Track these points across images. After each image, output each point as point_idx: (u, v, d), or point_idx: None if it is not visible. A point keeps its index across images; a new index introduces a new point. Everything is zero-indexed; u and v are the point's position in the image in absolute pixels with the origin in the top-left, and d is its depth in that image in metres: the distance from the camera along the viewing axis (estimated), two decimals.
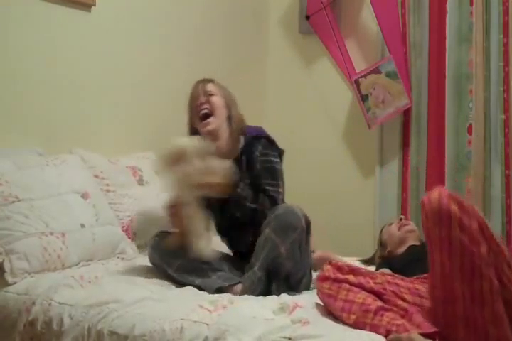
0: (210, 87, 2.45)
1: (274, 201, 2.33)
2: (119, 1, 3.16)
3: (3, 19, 2.69)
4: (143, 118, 3.31)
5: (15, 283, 2.18)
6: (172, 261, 2.26)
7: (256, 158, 2.37)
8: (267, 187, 2.34)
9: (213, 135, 2.41)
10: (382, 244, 2.78)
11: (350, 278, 1.90)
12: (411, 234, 2.70)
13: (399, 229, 2.72)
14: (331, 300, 1.88)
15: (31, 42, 2.78)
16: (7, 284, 2.17)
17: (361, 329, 1.76)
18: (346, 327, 1.78)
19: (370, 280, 1.91)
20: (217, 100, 2.42)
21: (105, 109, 3.11)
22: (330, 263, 1.97)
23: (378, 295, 1.88)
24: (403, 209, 3.66)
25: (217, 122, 2.41)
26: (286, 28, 4.11)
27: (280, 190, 2.36)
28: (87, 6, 2.98)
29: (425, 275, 1.99)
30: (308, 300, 2.01)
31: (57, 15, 2.88)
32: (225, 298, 2.02)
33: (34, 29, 2.79)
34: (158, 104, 3.40)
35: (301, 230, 2.18)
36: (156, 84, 3.38)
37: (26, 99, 2.76)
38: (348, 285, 1.88)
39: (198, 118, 2.43)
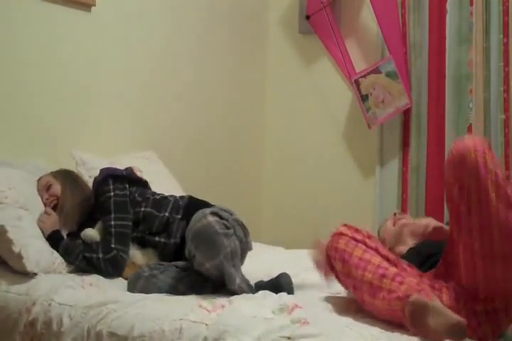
0: (45, 180, 2.53)
1: (104, 237, 2.36)
2: (119, 1, 3.16)
3: (4, 19, 2.69)
4: (143, 118, 3.32)
5: (31, 272, 2.21)
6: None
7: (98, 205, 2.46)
8: (103, 225, 2.41)
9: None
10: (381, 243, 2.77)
11: (367, 241, 1.89)
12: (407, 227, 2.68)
13: (394, 224, 2.71)
14: (346, 255, 1.87)
15: (31, 42, 2.78)
16: (11, 283, 2.20)
17: (374, 294, 1.76)
18: (346, 326, 1.76)
19: (385, 250, 1.91)
20: (56, 189, 2.50)
21: (104, 109, 3.11)
22: (346, 225, 1.96)
23: (392, 263, 1.87)
24: (403, 209, 3.65)
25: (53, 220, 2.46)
26: (286, 28, 4.11)
27: (111, 223, 2.36)
28: (87, 6, 2.99)
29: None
30: (307, 300, 2.00)
31: (57, 15, 2.88)
32: (224, 297, 2.02)
33: (34, 29, 2.79)
34: (158, 104, 3.41)
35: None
36: (155, 84, 3.38)
37: (25, 98, 2.76)
38: (364, 246, 1.87)
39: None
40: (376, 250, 1.88)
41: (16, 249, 2.22)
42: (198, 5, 3.65)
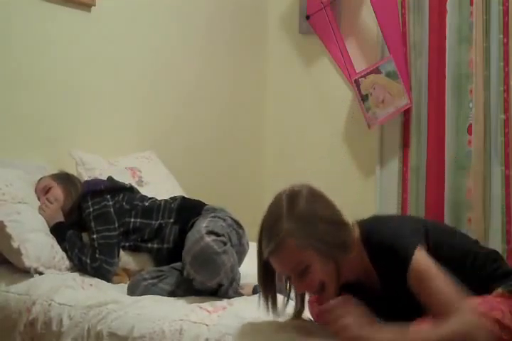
0: (45, 182, 2.53)
1: (90, 247, 2.37)
2: (119, 1, 3.16)
3: (3, 19, 2.69)
4: (143, 118, 3.32)
5: (30, 268, 2.21)
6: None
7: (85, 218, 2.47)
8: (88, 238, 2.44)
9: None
10: None
11: None
12: None
13: None
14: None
15: (31, 42, 2.78)
16: (12, 281, 2.20)
17: None
18: None
19: None
20: (55, 193, 2.51)
21: (104, 109, 3.11)
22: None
23: None
24: (403, 209, 3.66)
25: (54, 209, 2.47)
26: (286, 28, 4.11)
27: (94, 236, 2.37)
28: (87, 6, 2.99)
29: None
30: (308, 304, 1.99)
31: (57, 15, 2.88)
32: (224, 299, 2.02)
33: (34, 29, 2.79)
34: (159, 103, 3.41)
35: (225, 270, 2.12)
36: (155, 85, 3.38)
37: (25, 99, 2.76)
38: None
39: None
40: None
41: (14, 244, 2.23)
42: (199, 5, 3.65)
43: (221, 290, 2.09)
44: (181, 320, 1.81)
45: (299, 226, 1.62)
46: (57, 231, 2.40)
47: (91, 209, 2.41)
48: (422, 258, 1.60)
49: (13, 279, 2.21)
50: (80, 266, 2.34)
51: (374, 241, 1.65)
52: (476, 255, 1.72)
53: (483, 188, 3.43)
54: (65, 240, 2.38)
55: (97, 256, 2.32)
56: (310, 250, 1.61)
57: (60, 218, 2.45)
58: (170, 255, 2.34)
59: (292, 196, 1.67)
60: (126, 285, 2.24)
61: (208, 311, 1.86)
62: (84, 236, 2.44)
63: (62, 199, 2.49)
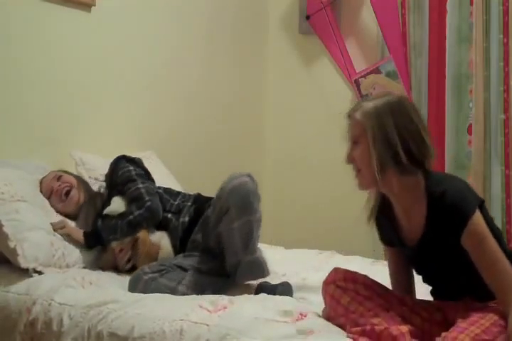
0: (52, 173, 2.59)
1: (136, 197, 2.45)
2: (119, 1, 3.16)
3: (3, 19, 2.69)
4: (143, 118, 3.32)
5: (27, 268, 2.21)
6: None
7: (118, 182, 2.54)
8: (128, 193, 2.49)
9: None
10: None
11: (361, 289, 1.81)
12: None
13: None
14: (334, 302, 1.81)
15: (31, 42, 2.78)
16: (12, 281, 2.19)
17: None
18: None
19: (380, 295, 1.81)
20: (67, 177, 2.59)
21: (105, 109, 3.11)
22: (336, 271, 1.87)
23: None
24: None
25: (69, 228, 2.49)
26: (286, 28, 4.11)
27: (139, 186, 2.46)
28: (87, 6, 2.99)
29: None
30: (310, 305, 1.98)
31: (57, 15, 2.88)
32: (225, 297, 2.01)
33: (34, 29, 2.79)
34: (158, 104, 3.40)
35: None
36: (155, 85, 3.38)
37: (25, 99, 2.76)
38: (353, 293, 1.80)
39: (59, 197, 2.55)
40: (369, 298, 1.79)
41: (11, 244, 2.22)
42: (199, 5, 3.65)
43: (252, 245, 2.12)
44: (182, 320, 1.80)
45: (373, 115, 1.86)
46: (90, 237, 2.42)
47: (131, 168, 2.49)
48: (479, 219, 1.79)
49: (13, 279, 2.21)
50: (132, 230, 2.37)
51: (438, 189, 1.84)
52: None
53: (483, 188, 3.43)
54: (102, 236, 2.41)
55: (144, 200, 2.40)
56: (366, 134, 1.88)
57: (80, 231, 2.45)
58: (184, 231, 2.42)
59: (384, 94, 1.89)
60: (127, 281, 2.24)
61: (208, 310, 1.85)
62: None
63: (75, 183, 2.54)
